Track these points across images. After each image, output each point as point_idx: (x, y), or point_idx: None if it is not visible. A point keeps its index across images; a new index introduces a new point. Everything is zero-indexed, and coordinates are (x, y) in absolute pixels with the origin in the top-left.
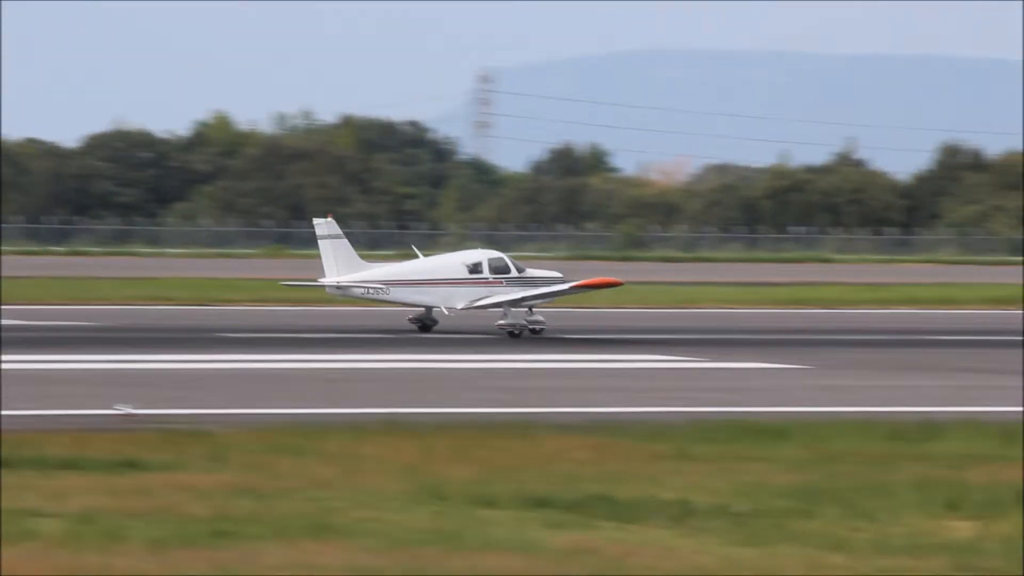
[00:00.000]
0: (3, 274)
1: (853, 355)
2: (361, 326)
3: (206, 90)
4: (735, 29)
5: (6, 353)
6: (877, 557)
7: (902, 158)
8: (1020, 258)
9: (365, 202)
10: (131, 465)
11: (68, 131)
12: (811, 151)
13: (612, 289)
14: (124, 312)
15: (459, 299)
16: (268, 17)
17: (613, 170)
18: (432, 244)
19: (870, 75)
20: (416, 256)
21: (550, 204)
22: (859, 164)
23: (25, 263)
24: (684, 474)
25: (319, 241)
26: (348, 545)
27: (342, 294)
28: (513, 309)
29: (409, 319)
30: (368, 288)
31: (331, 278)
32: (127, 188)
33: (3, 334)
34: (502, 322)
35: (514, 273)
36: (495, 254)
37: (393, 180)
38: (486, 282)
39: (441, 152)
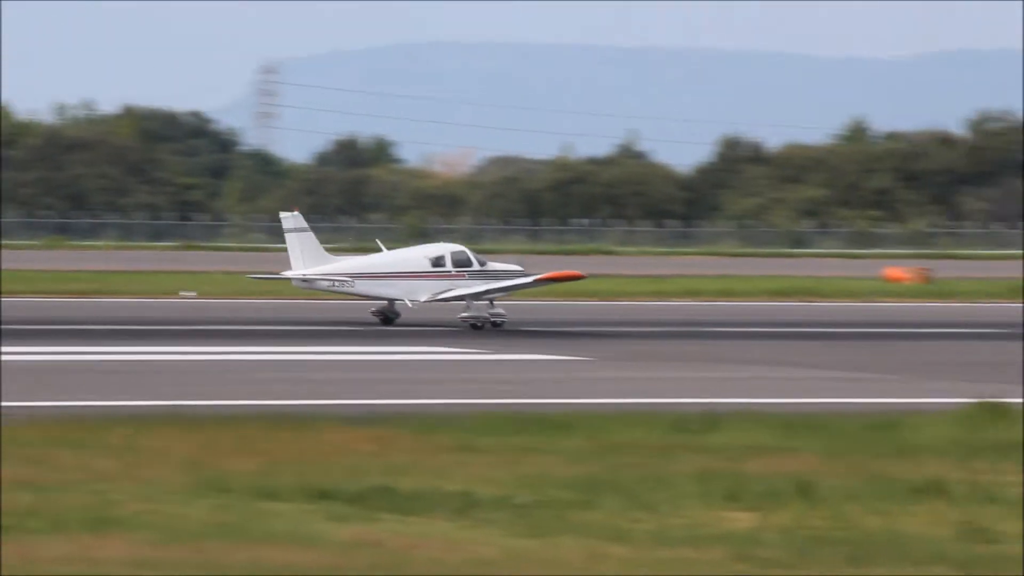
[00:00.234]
0: None
1: (635, 347)
2: (142, 318)
3: None
4: (517, 22)
5: None
6: (657, 548)
7: (683, 151)
8: (801, 250)
9: (147, 193)
10: None
11: None
12: (593, 143)
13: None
14: None
15: (422, 292)
16: (47, 5)
17: (397, 162)
18: (214, 235)
19: (652, 68)
20: (380, 249)
21: (334, 195)
22: (641, 156)
23: None
24: (467, 466)
25: (286, 235)
26: (129, 538)
27: (308, 287)
28: (475, 302)
29: (372, 312)
30: (334, 281)
31: (297, 271)
32: None
33: None
34: (465, 315)
35: (476, 266)
36: (457, 248)
37: (175, 171)
38: (448, 275)
39: (224, 143)
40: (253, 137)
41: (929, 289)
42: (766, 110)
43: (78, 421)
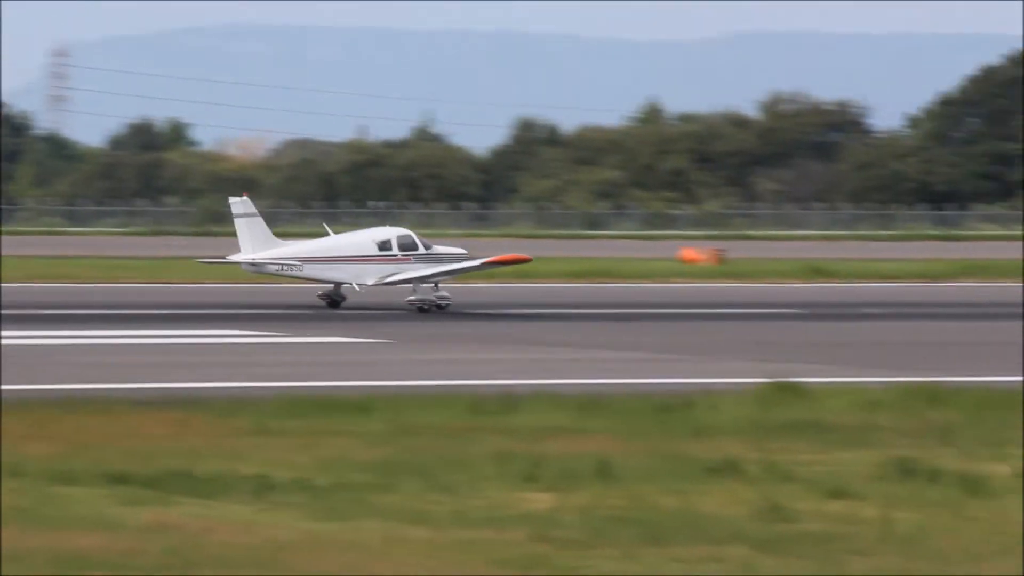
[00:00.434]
0: None
1: (433, 329)
2: None
3: None
4: (312, 4)
5: None
6: (457, 529)
7: (479, 133)
8: (597, 232)
9: None
10: None
11: None
12: (389, 126)
13: (202, 265)
14: None
15: (369, 276)
16: None
17: (192, 145)
18: (8, 220)
19: (448, 51)
20: (327, 233)
21: (128, 179)
22: (437, 139)
23: None
24: (264, 449)
25: (235, 219)
26: None
27: (256, 271)
28: (421, 285)
29: (319, 295)
30: (283, 265)
31: (246, 255)
32: None
33: None
34: (411, 298)
35: (421, 250)
36: (403, 231)
37: None
38: (395, 259)
39: (16, 126)
40: (46, 121)
41: (723, 270)
42: (562, 92)
43: None
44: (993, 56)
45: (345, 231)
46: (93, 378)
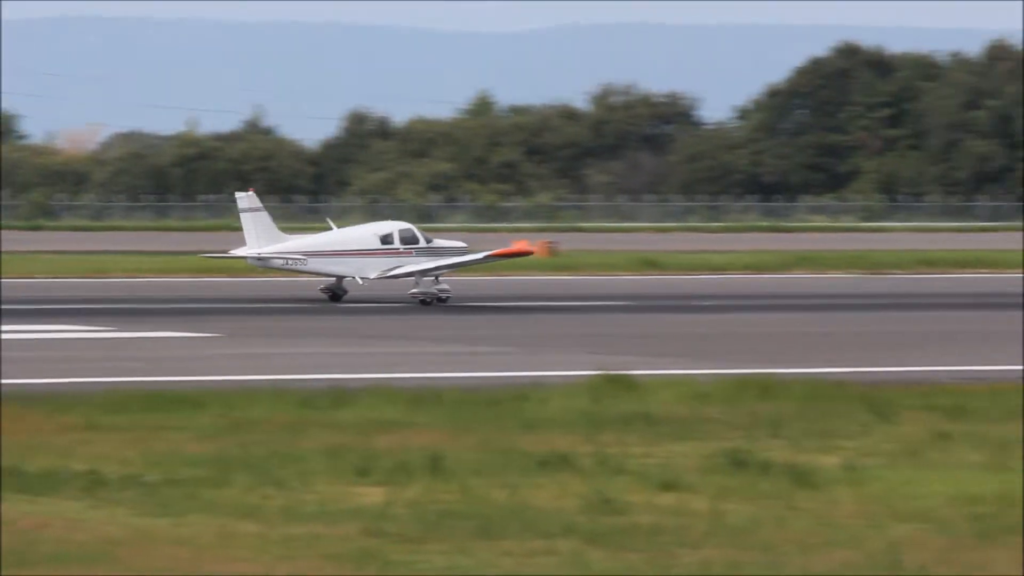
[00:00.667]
0: None
1: (264, 323)
2: None
3: None
4: None
5: None
6: (288, 524)
7: (310, 126)
8: (428, 225)
9: None
10: None
11: None
12: (219, 119)
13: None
14: None
15: (372, 269)
16: None
17: (21, 138)
18: None
19: (278, 43)
20: (330, 228)
21: None
22: (268, 132)
23: None
24: (95, 445)
25: (241, 214)
26: None
27: (263, 265)
28: (423, 278)
29: (321, 289)
30: (288, 259)
31: (252, 250)
32: None
33: None
34: (414, 291)
35: (423, 243)
36: (404, 225)
37: None
38: (397, 252)
39: None
40: None
41: (555, 262)
42: (393, 84)
43: None
44: (821, 48)
45: (174, 225)
46: None
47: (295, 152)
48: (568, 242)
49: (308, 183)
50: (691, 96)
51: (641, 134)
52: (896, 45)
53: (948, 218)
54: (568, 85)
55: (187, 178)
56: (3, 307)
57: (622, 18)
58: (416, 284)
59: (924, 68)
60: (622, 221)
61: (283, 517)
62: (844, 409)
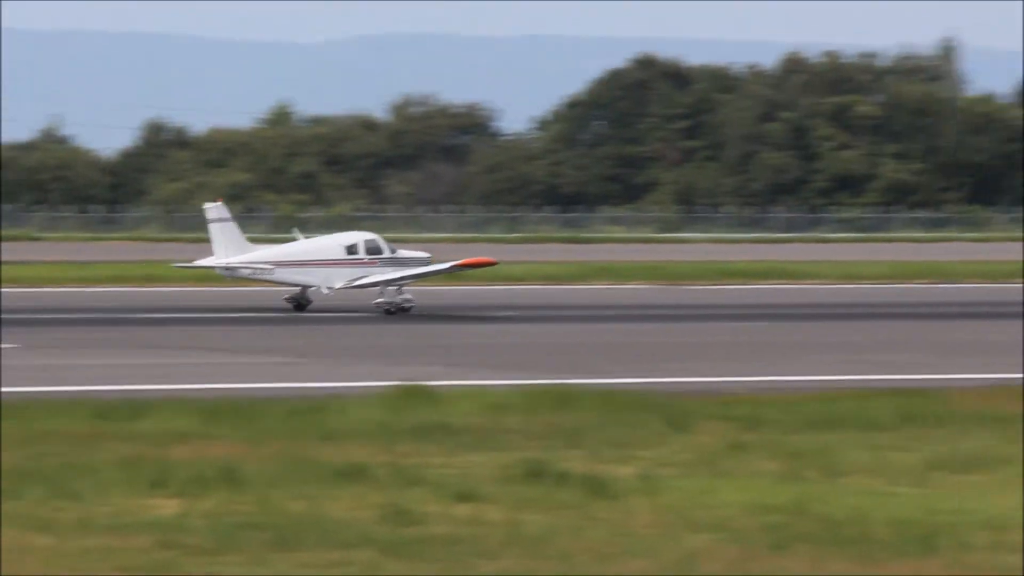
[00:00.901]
0: None
1: (60, 334)
2: None
3: None
4: None
5: None
6: (82, 537)
7: (107, 135)
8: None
9: None
10: None
11: None
12: (13, 128)
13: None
14: None
15: (338, 279)
16: None
17: None
18: None
19: (75, 52)
20: (297, 238)
21: None
22: (64, 141)
23: None
24: None
25: (209, 224)
26: None
27: (230, 275)
28: (388, 288)
29: (285, 299)
30: (255, 269)
31: (221, 259)
32: None
33: None
34: (379, 300)
35: (387, 254)
36: (370, 236)
37: None
38: (362, 263)
39: None
40: None
41: None
42: (191, 94)
43: None
44: (618, 59)
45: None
46: None
47: (91, 162)
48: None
49: (105, 193)
50: (489, 107)
51: (440, 145)
52: (693, 57)
53: (744, 229)
54: (367, 96)
55: None
56: None
57: (421, 29)
58: (381, 294)
59: (721, 80)
60: (421, 232)
61: (77, 529)
62: (641, 419)
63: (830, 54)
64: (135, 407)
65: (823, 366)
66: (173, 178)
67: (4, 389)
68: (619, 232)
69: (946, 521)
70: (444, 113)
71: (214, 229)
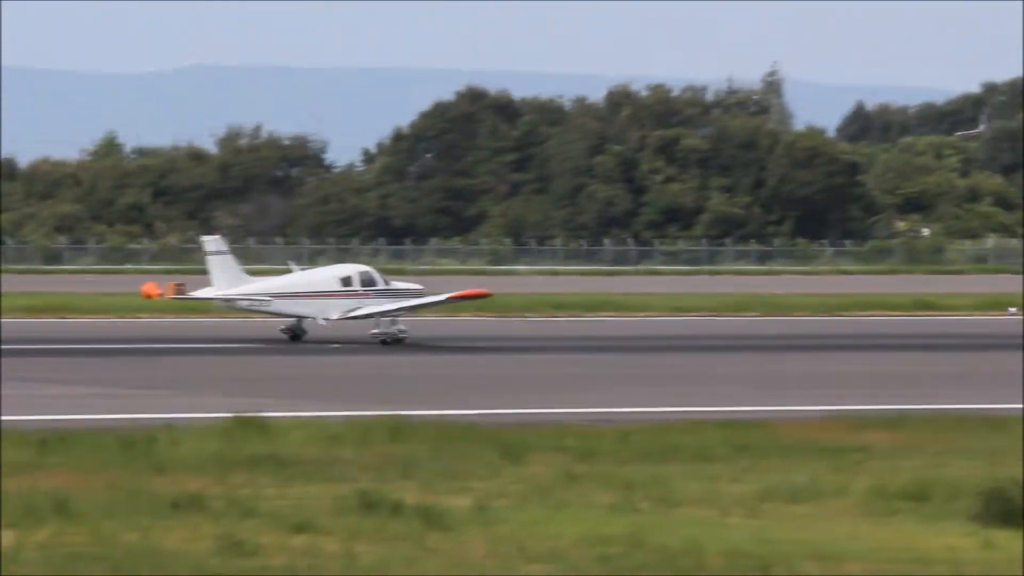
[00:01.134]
0: None
1: None
2: None
3: None
4: None
5: None
6: None
7: None
8: (55, 267)
9: None
10: None
11: None
12: None
13: None
14: None
15: (333, 310)
16: None
17: None
18: None
19: None
20: (292, 270)
21: None
22: None
23: None
24: None
25: (207, 257)
26: None
27: (228, 306)
28: (383, 319)
29: (281, 329)
30: (253, 300)
31: (219, 291)
32: None
33: None
34: (375, 331)
35: (381, 285)
36: (364, 268)
37: None
38: (356, 294)
39: None
40: None
41: (184, 305)
42: (17, 125)
43: None
44: (446, 91)
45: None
46: None
47: None
48: (197, 285)
49: None
50: (319, 139)
51: (269, 176)
52: (521, 90)
53: (574, 262)
54: (195, 127)
55: None
56: None
57: (248, 61)
58: (376, 324)
59: (549, 113)
60: (251, 264)
61: None
62: (475, 450)
63: (657, 88)
64: None
65: (655, 398)
66: (2, 209)
67: None
68: (449, 264)
69: (778, 551)
70: (273, 145)
71: (212, 261)
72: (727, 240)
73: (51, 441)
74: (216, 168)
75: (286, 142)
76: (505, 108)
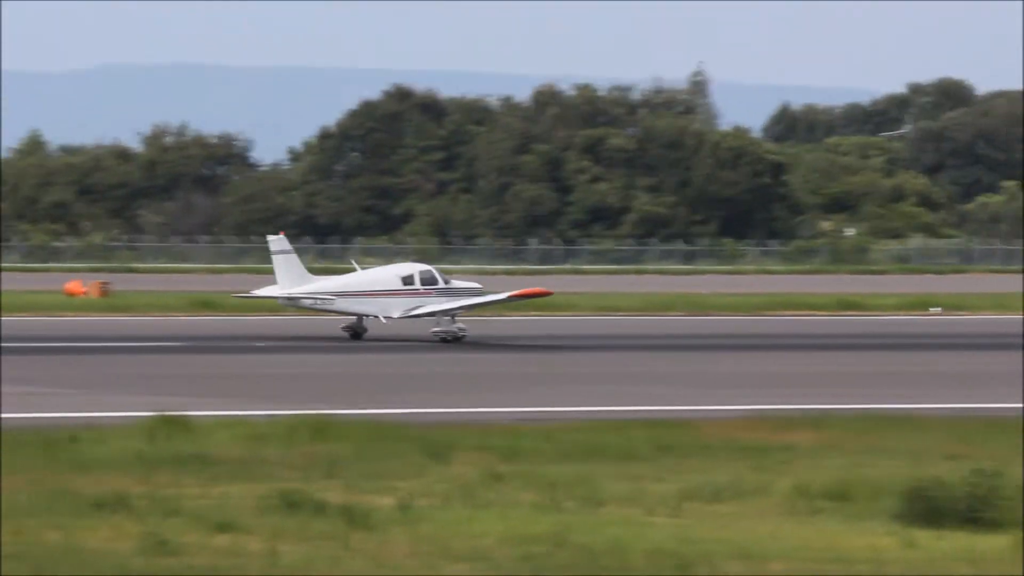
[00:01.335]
0: None
1: None
2: None
3: None
4: None
5: None
6: None
7: None
8: None
9: None
10: None
11: None
12: None
13: None
14: None
15: (395, 308)
16: None
17: None
18: None
19: None
20: (355, 269)
21: None
22: None
23: None
24: None
25: (272, 256)
26: None
27: (292, 304)
28: (443, 318)
29: (342, 328)
30: (316, 299)
31: (283, 290)
32: None
33: None
34: (435, 329)
35: (441, 284)
36: (424, 267)
37: None
38: (417, 292)
39: None
40: None
41: (108, 303)
42: None
43: None
44: (373, 91)
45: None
46: None
47: None
48: (121, 283)
49: None
50: (244, 138)
51: (195, 175)
52: (448, 89)
53: (500, 261)
54: (120, 126)
55: None
56: None
57: (175, 59)
58: (437, 323)
59: (475, 112)
60: (176, 262)
61: None
62: (400, 450)
63: (583, 87)
64: None
65: (580, 397)
66: None
67: None
68: (376, 263)
69: (701, 550)
70: (198, 143)
71: (277, 260)
72: (653, 239)
73: None
74: (141, 166)
75: (212, 140)
76: (432, 107)
